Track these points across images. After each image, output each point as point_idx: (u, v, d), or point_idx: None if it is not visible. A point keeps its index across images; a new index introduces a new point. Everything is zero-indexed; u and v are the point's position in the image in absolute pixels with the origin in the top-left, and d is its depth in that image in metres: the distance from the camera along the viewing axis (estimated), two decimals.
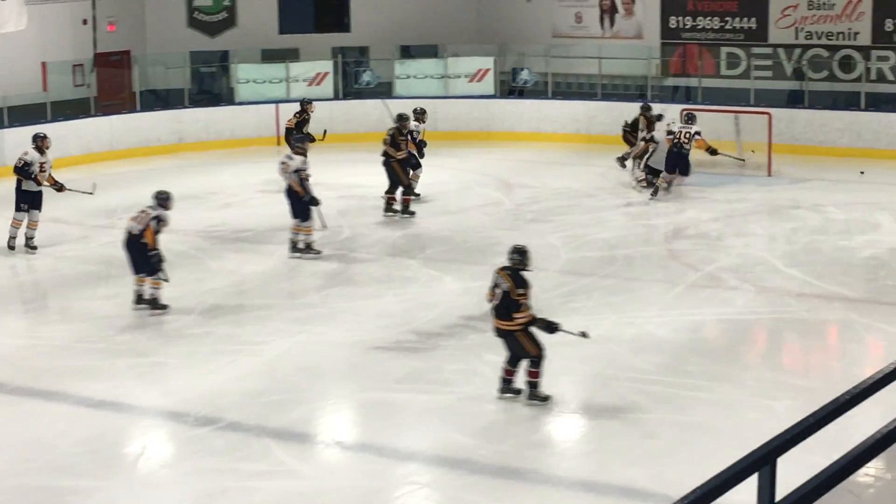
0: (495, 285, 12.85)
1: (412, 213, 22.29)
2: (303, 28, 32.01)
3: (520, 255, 12.86)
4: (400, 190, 22.27)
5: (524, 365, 12.74)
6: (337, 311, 16.54)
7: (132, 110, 29.48)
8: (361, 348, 14.94)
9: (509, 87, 31.25)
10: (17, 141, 26.39)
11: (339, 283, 17.89)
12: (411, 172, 22.48)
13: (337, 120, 29.69)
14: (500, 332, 12.85)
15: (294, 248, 19.09)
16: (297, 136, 21.34)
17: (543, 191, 24.18)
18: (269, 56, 31.28)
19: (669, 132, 23.36)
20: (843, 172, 24.97)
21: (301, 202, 19.06)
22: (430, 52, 31.55)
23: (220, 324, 16.09)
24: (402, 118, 22.55)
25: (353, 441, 12.80)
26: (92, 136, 27.81)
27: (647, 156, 23.74)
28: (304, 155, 19.60)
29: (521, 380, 12.79)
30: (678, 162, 23.06)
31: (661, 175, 23.04)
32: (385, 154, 22.18)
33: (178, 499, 11.13)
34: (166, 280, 16.48)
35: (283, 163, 19.61)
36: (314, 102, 25.79)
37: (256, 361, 14.57)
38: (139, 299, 16.48)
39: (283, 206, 19.39)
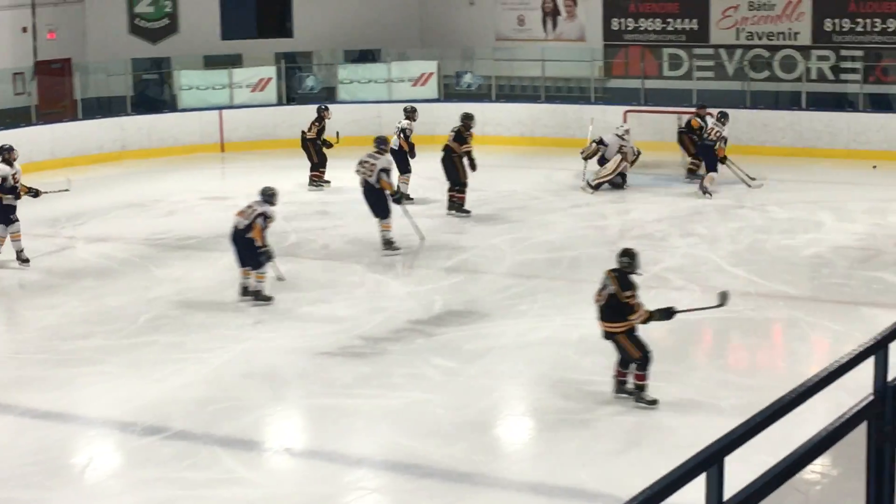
0: (603, 287, 12.86)
1: (468, 213, 22.55)
2: (245, 34, 31.90)
3: (628, 258, 12.84)
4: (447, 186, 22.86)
5: (632, 368, 12.73)
6: (284, 317, 16.49)
7: (74, 118, 29.30)
8: (309, 354, 14.87)
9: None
10: None
11: (285, 289, 17.77)
12: (399, 176, 22.74)
13: (281, 125, 29.75)
14: (607, 335, 12.89)
15: (388, 245, 19.12)
16: (378, 137, 21.19)
17: (489, 194, 24.15)
18: (212, 62, 31.12)
19: (619, 135, 23.79)
20: (786, 172, 25.18)
21: (383, 201, 19.06)
22: (374, 56, 31.57)
23: (166, 332, 15.98)
24: (467, 116, 22.79)
25: (302, 447, 12.77)
26: (33, 144, 27.37)
27: (596, 157, 23.88)
28: (388, 154, 20.28)
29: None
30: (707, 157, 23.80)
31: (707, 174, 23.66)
32: (446, 149, 22.48)
33: None
34: (283, 279, 17.19)
35: (365, 162, 19.70)
36: (329, 108, 25.72)
37: (203, 369, 14.45)
38: (244, 291, 16.91)
39: (227, 211, 19.25)
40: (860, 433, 4.23)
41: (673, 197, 23.46)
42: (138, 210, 22.69)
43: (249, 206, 16.90)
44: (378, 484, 11.59)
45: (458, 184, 22.56)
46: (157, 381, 14.02)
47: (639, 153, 24.51)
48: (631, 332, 12.65)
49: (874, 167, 24.27)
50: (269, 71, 30.57)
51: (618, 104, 28.51)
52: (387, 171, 19.73)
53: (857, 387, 4.25)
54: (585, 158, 24.31)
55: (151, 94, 31.06)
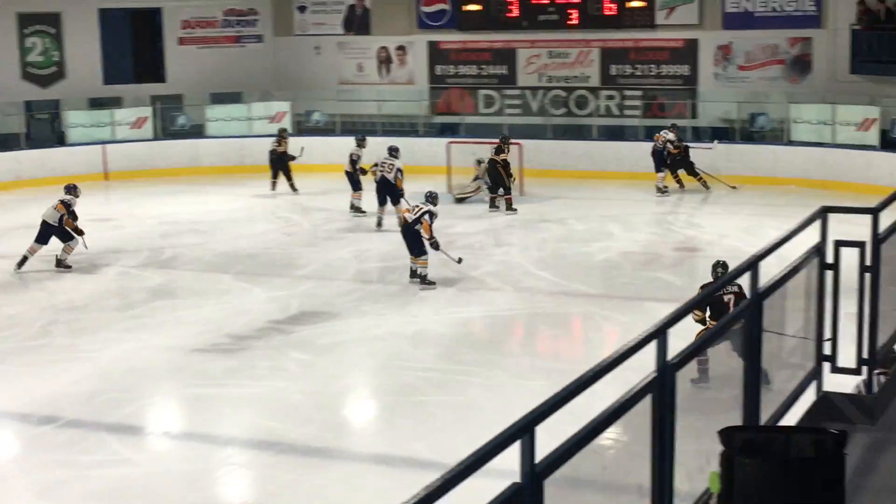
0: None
1: (515, 210, 23.39)
2: (124, 79, 31.34)
3: (723, 269, 12.19)
4: (501, 190, 23.74)
5: None
6: (162, 321, 16.18)
7: None
8: (184, 351, 14.66)
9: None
10: None
11: (162, 297, 17.52)
12: (353, 193, 23.32)
13: (157, 157, 29.37)
14: None
15: (423, 280, 17.76)
16: (391, 146, 22.91)
17: (335, 213, 24.09)
18: (96, 104, 30.50)
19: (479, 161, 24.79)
20: (581, 191, 25.54)
21: (419, 240, 17.62)
22: (236, 98, 31.30)
23: (58, 336, 15.61)
24: (504, 137, 24.69)
25: (179, 431, 12.58)
26: None
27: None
28: (399, 158, 22.44)
29: None
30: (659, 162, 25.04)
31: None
32: (491, 161, 23.73)
33: (24, 489, 10.76)
34: (459, 261, 17.85)
35: (384, 163, 22.12)
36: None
37: (91, 366, 14.13)
38: (413, 274, 17.68)
39: (112, 231, 18.94)
40: (645, 405, 4.30)
41: (489, 213, 23.58)
42: (32, 231, 21.91)
43: (416, 206, 17.79)
44: (244, 460, 11.47)
45: (505, 188, 23.69)
46: (51, 378, 13.69)
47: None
48: None
49: (791, 188, 24.20)
50: (146, 111, 30.07)
51: (442, 137, 28.66)
52: (401, 171, 22.04)
53: (642, 366, 4.32)
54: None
55: (42, 131, 30.26)
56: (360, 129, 27.39)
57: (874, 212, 6.27)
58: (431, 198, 18.03)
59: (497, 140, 24.53)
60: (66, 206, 19.16)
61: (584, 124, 29.45)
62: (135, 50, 31.90)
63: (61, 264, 19.00)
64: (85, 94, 30.75)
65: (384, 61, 31.64)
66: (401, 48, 31.46)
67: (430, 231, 17.31)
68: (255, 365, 14.06)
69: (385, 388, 13.42)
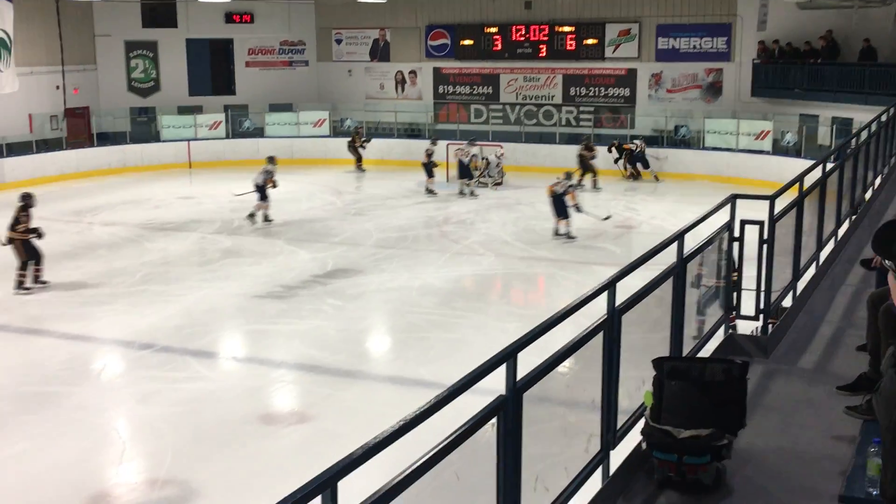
0: None
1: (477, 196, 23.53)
2: (204, 92, 31.23)
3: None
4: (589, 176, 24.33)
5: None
6: (230, 274, 16.17)
7: (91, 145, 28.34)
8: (247, 297, 14.68)
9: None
10: (12, 166, 25.33)
11: (231, 256, 17.50)
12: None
13: (228, 151, 29.26)
14: None
15: (567, 236, 18.33)
16: (471, 139, 24.26)
17: (361, 195, 24.07)
18: (183, 110, 30.37)
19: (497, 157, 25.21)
20: (547, 183, 25.35)
21: (562, 205, 18.28)
22: (288, 107, 31.14)
23: (153, 283, 15.62)
24: (588, 137, 25.73)
25: (242, 356, 12.60)
26: (64, 162, 26.72)
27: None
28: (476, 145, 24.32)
29: None
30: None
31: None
32: (580, 156, 24.47)
33: (128, 396, 10.83)
34: (606, 218, 19.01)
35: (459, 149, 23.72)
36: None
37: (178, 307, 14.17)
38: (555, 233, 18.39)
39: (195, 206, 18.89)
40: (598, 340, 4.27)
41: (477, 198, 23.51)
42: (135, 205, 22.02)
43: (559, 182, 18.38)
44: (291, 378, 11.51)
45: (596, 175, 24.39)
46: (148, 315, 13.76)
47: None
48: None
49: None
50: (220, 116, 29.89)
51: (442, 140, 28.44)
52: (476, 156, 23.75)
53: (595, 312, 4.28)
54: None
55: (142, 130, 30.12)
56: (413, 133, 27.58)
57: (771, 199, 6.23)
58: (569, 176, 19.08)
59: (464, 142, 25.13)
60: (269, 174, 20.13)
61: (549, 132, 29.25)
62: (212, 70, 31.68)
63: (255, 217, 20.03)
64: (175, 102, 30.63)
65: (400, 82, 31.51)
66: (412, 72, 31.29)
67: (575, 199, 18.34)
68: (300, 308, 14.09)
69: (397, 326, 13.42)
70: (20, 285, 14.94)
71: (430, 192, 23.82)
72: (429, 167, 23.99)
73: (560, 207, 18.36)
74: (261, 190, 20.08)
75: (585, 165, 24.66)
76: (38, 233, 15.03)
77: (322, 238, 18.93)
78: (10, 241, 14.97)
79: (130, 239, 18.98)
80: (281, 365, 11.81)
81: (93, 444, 9.56)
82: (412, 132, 30.51)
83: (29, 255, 15.04)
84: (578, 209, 18.41)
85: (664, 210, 21.49)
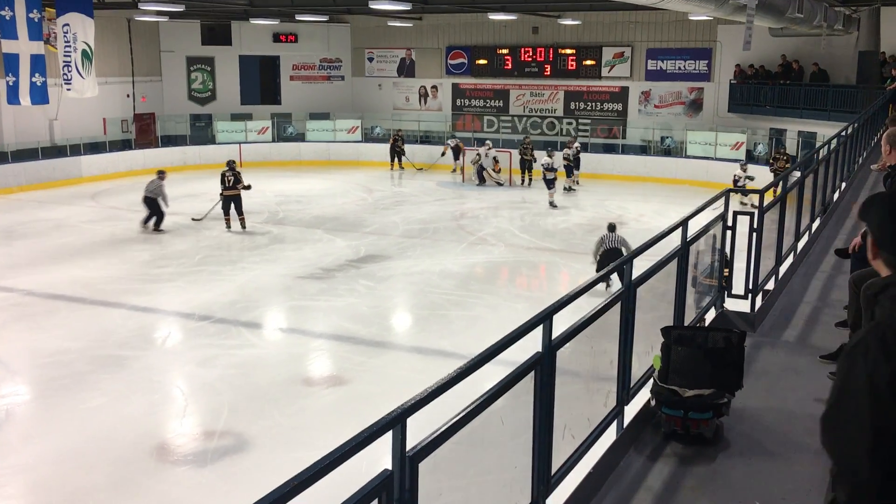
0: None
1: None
2: (254, 101, 31.14)
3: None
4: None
5: None
6: (276, 257, 16.15)
7: (156, 146, 28.37)
8: (290, 277, 14.66)
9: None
10: (90, 162, 25.37)
11: (276, 242, 17.48)
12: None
13: (274, 153, 29.23)
14: None
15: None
16: (485, 141, 24.65)
17: (389, 193, 23.99)
18: (235, 117, 30.33)
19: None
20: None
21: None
22: (325, 116, 31.07)
23: (210, 265, 15.61)
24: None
25: (287, 327, 12.57)
26: (133, 161, 26.76)
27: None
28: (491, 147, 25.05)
29: None
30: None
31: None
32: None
33: (189, 360, 10.81)
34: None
35: (476, 154, 24.48)
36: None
37: (231, 285, 14.16)
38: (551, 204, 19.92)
39: (246, 200, 18.82)
40: (616, 310, 4.18)
41: (489, 196, 23.43)
42: (192, 198, 22.00)
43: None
44: (328, 347, 11.46)
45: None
46: (206, 291, 13.76)
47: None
48: None
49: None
50: (268, 123, 29.82)
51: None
52: (496, 159, 24.26)
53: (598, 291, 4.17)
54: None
55: (200, 134, 30.10)
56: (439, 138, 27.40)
57: (761, 192, 6.13)
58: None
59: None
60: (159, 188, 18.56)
61: (551, 140, 29.10)
62: (261, 83, 31.57)
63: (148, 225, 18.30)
64: (228, 110, 30.57)
65: (423, 95, 31.37)
66: (434, 87, 31.11)
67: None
68: (337, 287, 14.06)
69: (420, 305, 13.35)
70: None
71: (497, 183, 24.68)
72: (479, 171, 24.79)
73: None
74: (152, 203, 18.19)
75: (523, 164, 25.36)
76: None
77: (355, 228, 18.88)
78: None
79: (189, 226, 18.96)
80: (320, 336, 11.78)
81: (159, 400, 9.56)
82: (433, 139, 30.38)
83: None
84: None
85: (651, 210, 21.35)
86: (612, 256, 12.22)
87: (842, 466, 1.63)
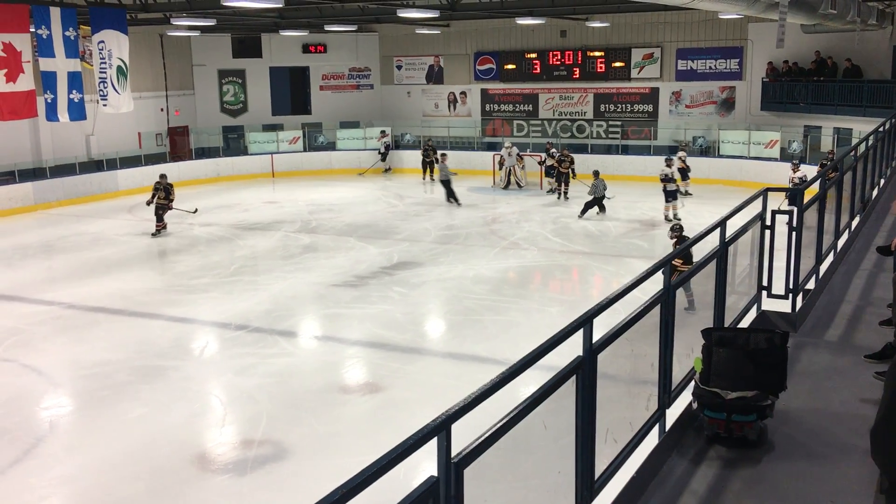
0: None
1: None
2: (285, 112, 31.42)
3: (679, 229, 11.71)
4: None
5: None
6: (310, 266, 16.23)
7: (190, 159, 28.67)
8: (324, 285, 14.72)
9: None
10: (126, 175, 25.74)
11: (310, 251, 17.56)
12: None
13: (305, 162, 29.42)
14: None
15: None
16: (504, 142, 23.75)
17: (420, 200, 24.01)
18: (267, 127, 30.59)
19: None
20: (580, 188, 24.91)
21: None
22: (355, 125, 31.24)
23: (245, 274, 15.74)
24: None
25: (321, 335, 12.60)
26: (168, 174, 26.53)
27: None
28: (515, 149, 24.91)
29: None
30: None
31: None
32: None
33: (227, 370, 10.88)
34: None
35: (508, 156, 24.37)
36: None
37: (267, 294, 14.25)
38: (666, 218, 19.35)
39: (277, 209, 18.96)
40: (655, 314, 4.13)
41: (520, 201, 23.37)
42: (227, 208, 22.21)
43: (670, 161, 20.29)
44: (363, 354, 11.47)
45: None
46: (242, 301, 13.84)
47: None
48: None
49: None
50: (299, 133, 30.02)
51: (489, 151, 28.45)
52: (520, 156, 24.56)
53: (634, 299, 4.12)
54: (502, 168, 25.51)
55: (233, 145, 30.42)
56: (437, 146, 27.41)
57: (800, 191, 6.04)
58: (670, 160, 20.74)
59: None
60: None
61: (582, 143, 28.98)
62: (292, 93, 31.85)
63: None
64: (260, 121, 30.85)
65: (452, 101, 31.40)
66: (463, 93, 31.13)
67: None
68: (370, 294, 14.09)
69: (454, 310, 13.32)
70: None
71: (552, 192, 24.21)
72: (552, 171, 24.50)
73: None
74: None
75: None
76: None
77: (388, 235, 18.92)
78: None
79: (224, 237, 19.14)
80: (355, 343, 11.81)
81: (198, 409, 9.64)
82: (462, 145, 30.35)
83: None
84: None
85: (684, 211, 21.12)
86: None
87: (893, 480, 1.59)
